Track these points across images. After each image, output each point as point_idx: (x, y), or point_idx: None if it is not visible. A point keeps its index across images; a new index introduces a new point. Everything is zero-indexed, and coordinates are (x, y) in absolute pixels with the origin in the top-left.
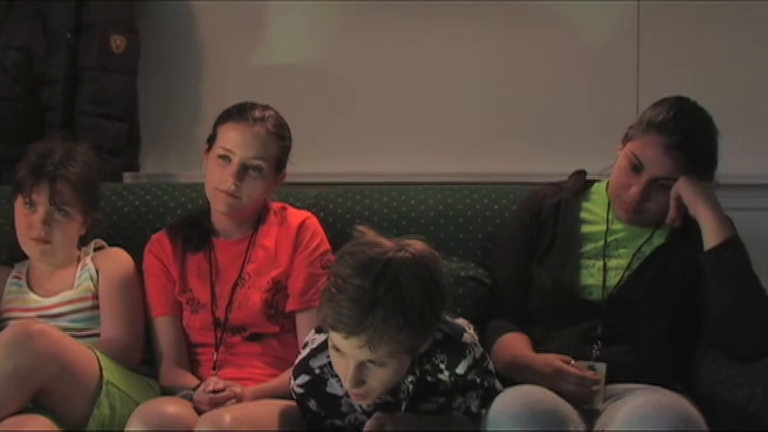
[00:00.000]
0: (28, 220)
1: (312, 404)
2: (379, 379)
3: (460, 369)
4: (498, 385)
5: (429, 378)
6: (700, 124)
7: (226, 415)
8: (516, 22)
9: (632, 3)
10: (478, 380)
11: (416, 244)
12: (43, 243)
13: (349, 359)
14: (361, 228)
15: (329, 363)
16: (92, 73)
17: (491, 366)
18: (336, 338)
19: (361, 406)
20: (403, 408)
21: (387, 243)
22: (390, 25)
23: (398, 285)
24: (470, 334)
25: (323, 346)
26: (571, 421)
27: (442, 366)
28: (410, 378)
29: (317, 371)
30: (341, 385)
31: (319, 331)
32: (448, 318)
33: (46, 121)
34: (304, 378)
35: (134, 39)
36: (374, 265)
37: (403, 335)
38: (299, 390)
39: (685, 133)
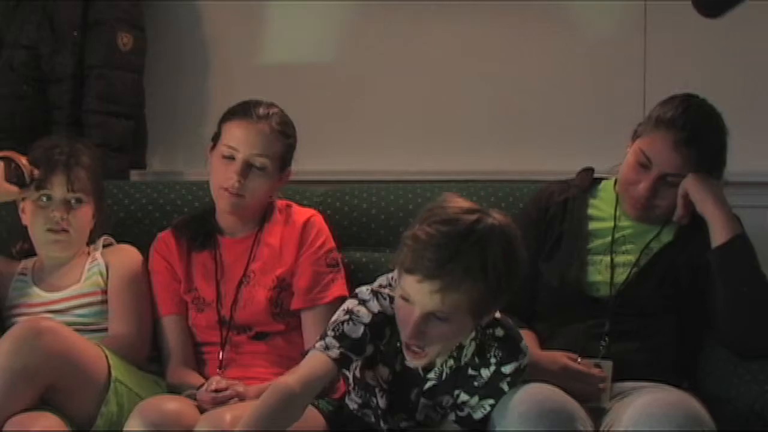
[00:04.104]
0: (44, 212)
1: (365, 337)
2: (438, 334)
3: (507, 369)
4: None
5: (471, 371)
6: (709, 121)
7: (227, 414)
8: (523, 21)
9: (639, 2)
10: (506, 390)
11: (502, 216)
12: (61, 232)
13: (416, 307)
14: (447, 193)
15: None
16: (99, 70)
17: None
18: (408, 283)
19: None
20: (418, 394)
21: (475, 206)
22: (397, 23)
23: (484, 242)
24: (526, 344)
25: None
26: (579, 420)
27: (493, 360)
28: (450, 362)
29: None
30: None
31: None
32: (512, 322)
33: (53, 119)
34: (376, 305)
35: (141, 37)
36: (464, 219)
37: (476, 291)
38: (376, 309)
39: (694, 130)
